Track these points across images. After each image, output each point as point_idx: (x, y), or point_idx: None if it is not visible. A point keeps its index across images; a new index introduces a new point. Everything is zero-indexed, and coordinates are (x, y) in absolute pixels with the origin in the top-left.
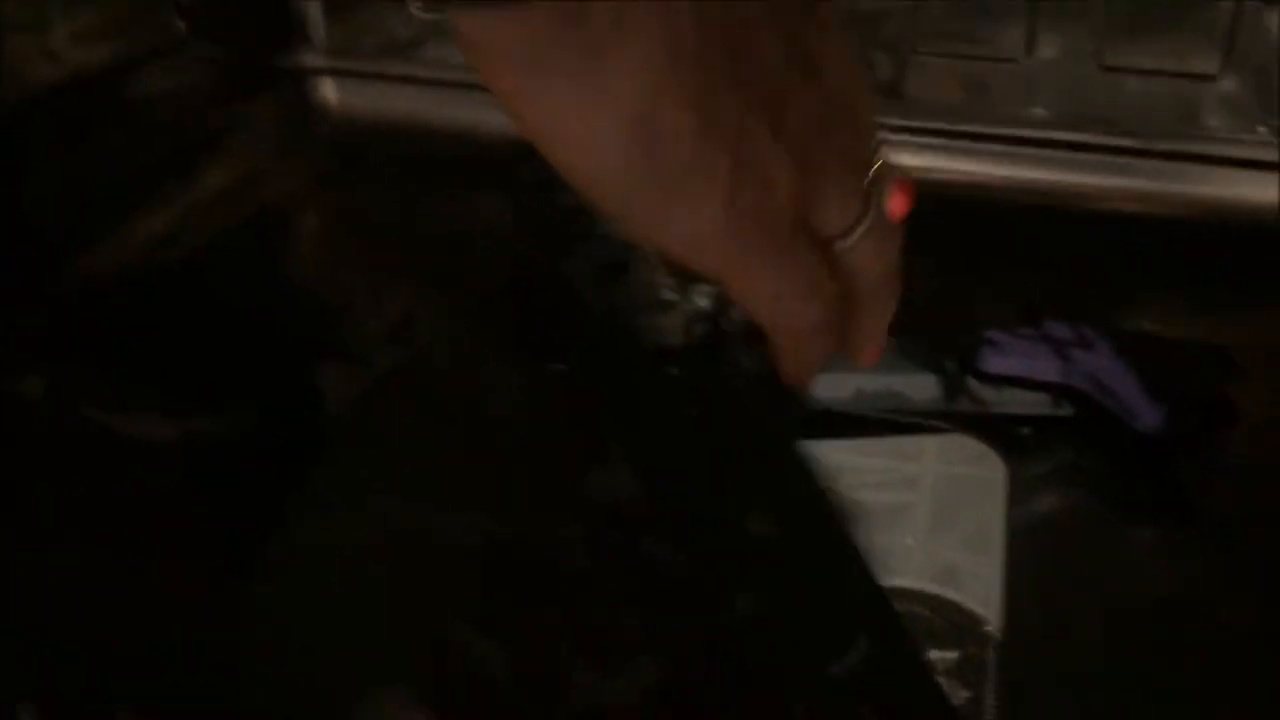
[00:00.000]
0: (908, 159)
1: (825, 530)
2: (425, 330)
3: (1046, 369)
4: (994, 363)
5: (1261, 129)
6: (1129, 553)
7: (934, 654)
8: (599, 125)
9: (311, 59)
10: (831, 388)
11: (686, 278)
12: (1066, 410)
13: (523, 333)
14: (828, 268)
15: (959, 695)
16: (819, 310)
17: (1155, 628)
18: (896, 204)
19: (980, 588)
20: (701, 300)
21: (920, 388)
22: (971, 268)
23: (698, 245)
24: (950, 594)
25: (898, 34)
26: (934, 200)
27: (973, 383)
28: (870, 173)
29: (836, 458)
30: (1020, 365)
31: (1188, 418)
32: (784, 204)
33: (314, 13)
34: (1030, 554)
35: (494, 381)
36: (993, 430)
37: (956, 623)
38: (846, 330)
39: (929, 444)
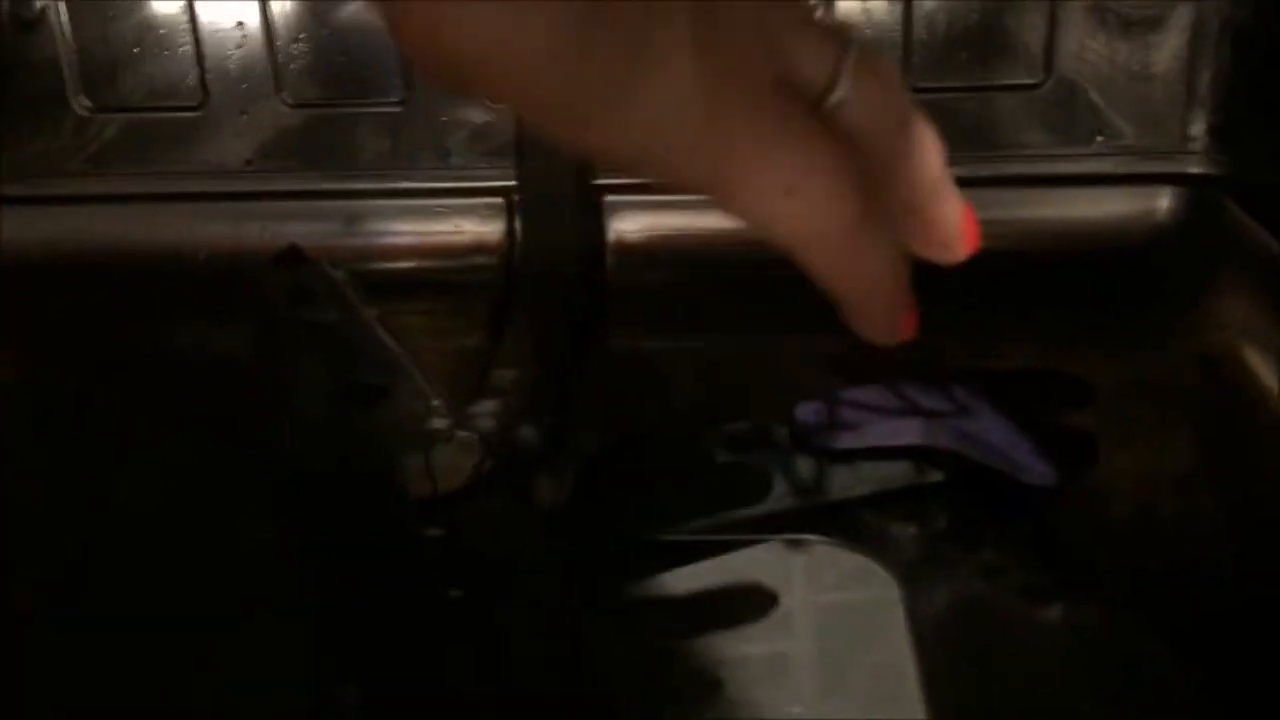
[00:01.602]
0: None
1: None
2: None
3: (905, 432)
4: (844, 437)
5: (1099, 139)
6: (1049, 648)
7: None
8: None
9: None
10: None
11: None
12: (935, 476)
13: (225, 491)
14: (835, 141)
15: None
16: (850, 200)
17: None
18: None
19: None
20: (486, 421)
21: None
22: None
23: (671, 130)
24: None
25: None
26: (721, 262)
27: (820, 465)
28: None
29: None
30: (875, 434)
31: (1073, 464)
32: (754, 54)
33: None
34: (948, 688)
35: (181, 562)
36: (858, 527)
37: None
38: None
39: (791, 562)
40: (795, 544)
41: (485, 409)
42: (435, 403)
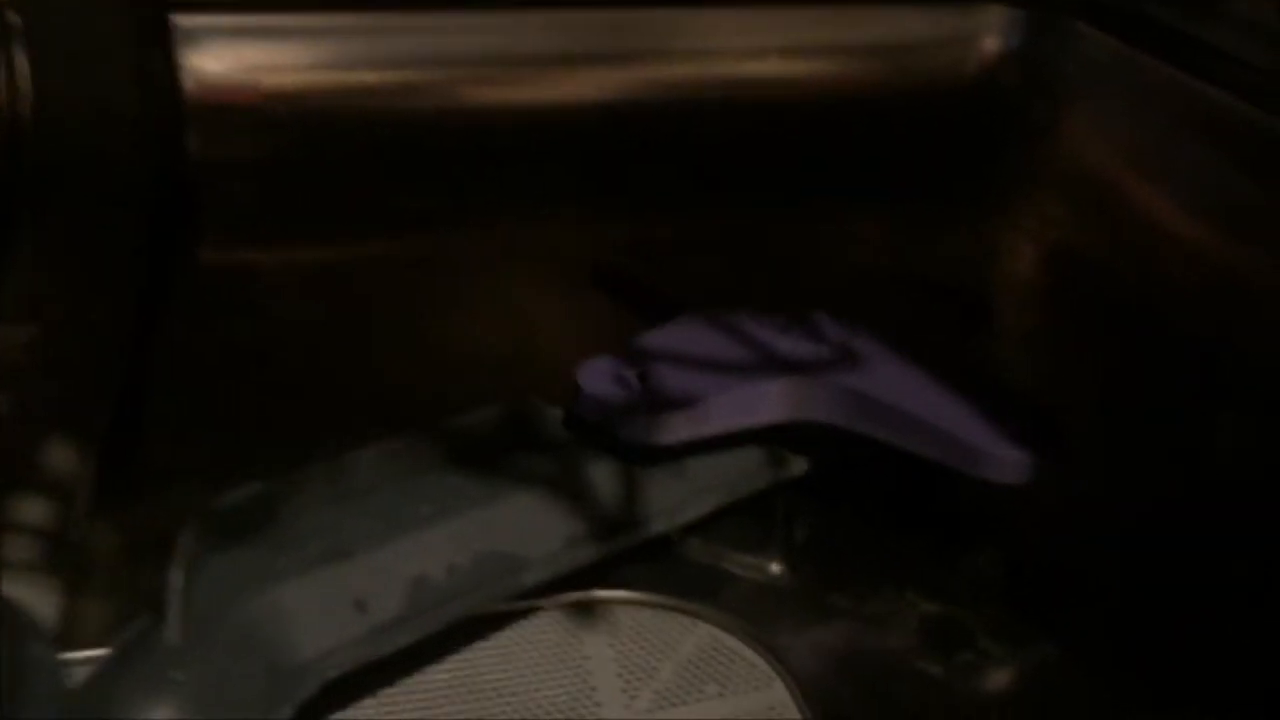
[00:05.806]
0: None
1: None
2: None
3: (769, 402)
4: (670, 424)
5: None
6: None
7: None
8: None
9: None
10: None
11: None
12: (799, 466)
13: None
14: None
15: None
16: None
17: None
18: None
19: None
20: None
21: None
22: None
23: None
24: None
25: None
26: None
27: (627, 474)
28: None
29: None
30: (724, 411)
31: (1044, 448)
32: None
33: None
34: None
35: None
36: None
37: None
38: None
39: (581, 641)
40: (583, 608)
41: None
42: None
